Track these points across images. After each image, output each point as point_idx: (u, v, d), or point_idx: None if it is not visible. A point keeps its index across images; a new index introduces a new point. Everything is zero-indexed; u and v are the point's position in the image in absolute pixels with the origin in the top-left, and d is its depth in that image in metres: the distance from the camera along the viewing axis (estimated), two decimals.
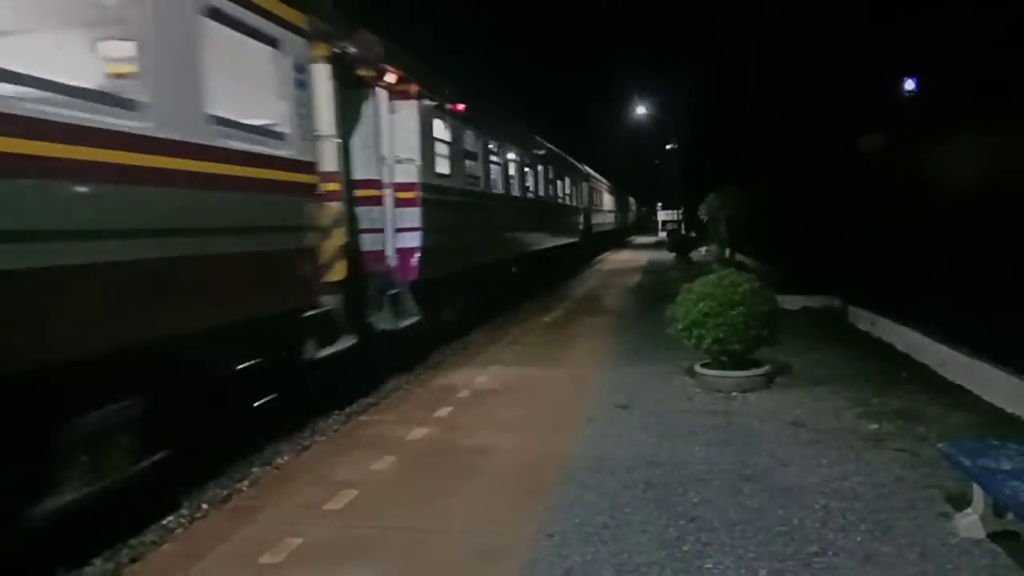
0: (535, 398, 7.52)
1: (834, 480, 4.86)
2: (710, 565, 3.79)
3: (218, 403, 5.67)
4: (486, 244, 13.57)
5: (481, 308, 13.52)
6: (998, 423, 5.93)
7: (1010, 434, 5.20)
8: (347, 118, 8.36)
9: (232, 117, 5.66)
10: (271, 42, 6.26)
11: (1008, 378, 6.24)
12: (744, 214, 21.73)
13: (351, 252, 7.91)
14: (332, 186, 7.29)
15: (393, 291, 9.22)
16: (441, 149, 11.04)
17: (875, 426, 6.00)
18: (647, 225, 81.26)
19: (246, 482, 5.72)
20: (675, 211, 50.13)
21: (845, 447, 5.51)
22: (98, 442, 4.40)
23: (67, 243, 4.06)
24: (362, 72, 8.47)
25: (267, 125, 6.35)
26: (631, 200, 69.77)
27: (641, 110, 47.12)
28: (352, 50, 7.93)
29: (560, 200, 23.71)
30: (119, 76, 4.83)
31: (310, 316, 6.78)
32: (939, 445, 4.39)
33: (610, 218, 43.14)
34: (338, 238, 7.35)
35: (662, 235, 57.14)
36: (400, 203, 9.38)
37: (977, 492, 3.95)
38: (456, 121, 11.80)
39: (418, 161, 9.67)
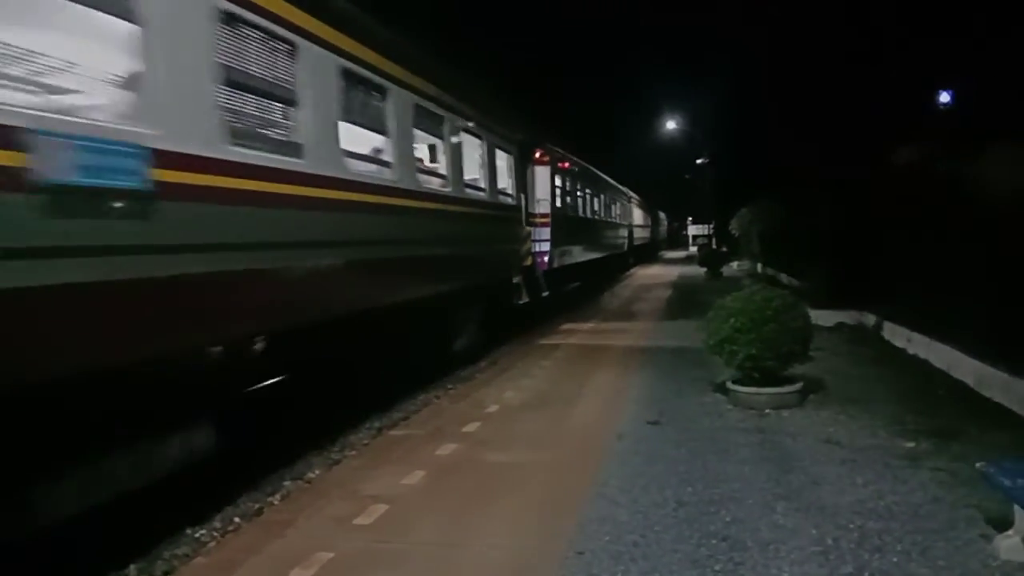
0: (565, 412, 7.49)
1: (869, 499, 4.78)
2: None
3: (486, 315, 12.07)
4: (580, 250, 20.46)
5: (577, 290, 20.77)
6: None
7: None
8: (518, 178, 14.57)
9: (500, 187, 12.77)
10: (508, 152, 13.52)
11: None
12: (776, 228, 21.53)
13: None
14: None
15: (536, 275, 15.46)
16: (557, 192, 17.23)
17: (911, 444, 5.89)
18: (677, 240, 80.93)
19: (277, 496, 5.75)
20: (706, 225, 49.83)
21: (881, 466, 5.41)
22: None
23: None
24: (541, 160, 16.13)
25: (504, 189, 13.26)
26: (661, 215, 69.59)
27: (671, 124, 46.99)
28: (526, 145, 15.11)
29: (615, 219, 30.89)
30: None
31: (515, 283, 14.01)
32: (978, 465, 4.29)
33: (645, 232, 48.70)
34: (527, 244, 14.84)
35: (692, 250, 56.83)
36: (539, 225, 15.93)
37: (1018, 513, 3.86)
38: (563, 173, 18.35)
39: (548, 200, 16.27)
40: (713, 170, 45.95)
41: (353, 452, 6.78)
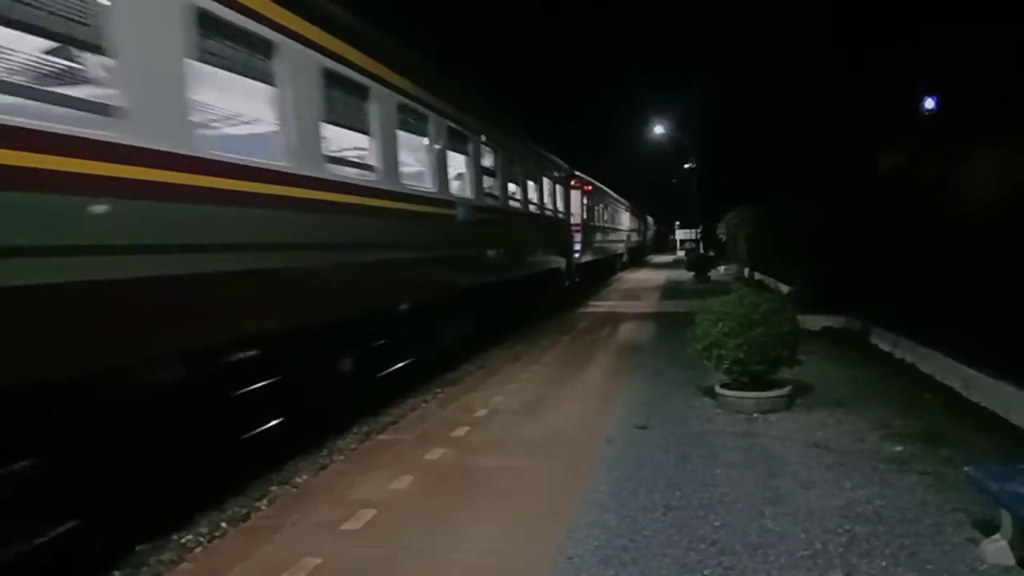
0: (554, 415, 7.48)
1: (857, 503, 4.79)
2: None
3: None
4: (598, 250, 29.50)
5: (597, 280, 28.58)
6: None
7: None
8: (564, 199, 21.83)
9: (551, 207, 19.50)
10: (561, 183, 20.98)
11: None
12: (763, 233, 21.63)
13: None
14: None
15: (573, 267, 22.38)
16: (583, 207, 25.67)
17: (899, 448, 5.92)
18: (665, 244, 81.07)
19: (264, 500, 5.72)
20: (693, 230, 49.97)
21: (868, 470, 5.43)
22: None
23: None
24: (578, 185, 24.43)
25: (560, 208, 20.69)
26: (649, 219, 69.78)
27: (659, 129, 47.08)
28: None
29: (620, 226, 39.89)
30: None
31: (564, 270, 20.83)
32: (966, 469, 4.31)
33: (638, 236, 54.54)
34: (572, 245, 22.98)
35: (680, 254, 56.94)
36: (574, 231, 23.26)
37: (1005, 517, 3.88)
38: (586, 194, 26.55)
39: (578, 213, 24.18)
40: (700, 175, 46.13)
41: (341, 457, 6.75)
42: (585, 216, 25.59)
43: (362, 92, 7.92)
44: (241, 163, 5.68)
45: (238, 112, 6.43)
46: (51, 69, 4.39)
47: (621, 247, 38.86)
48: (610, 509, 4.86)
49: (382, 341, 8.76)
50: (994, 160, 7.46)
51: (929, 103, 31.53)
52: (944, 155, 8.85)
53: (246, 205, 5.70)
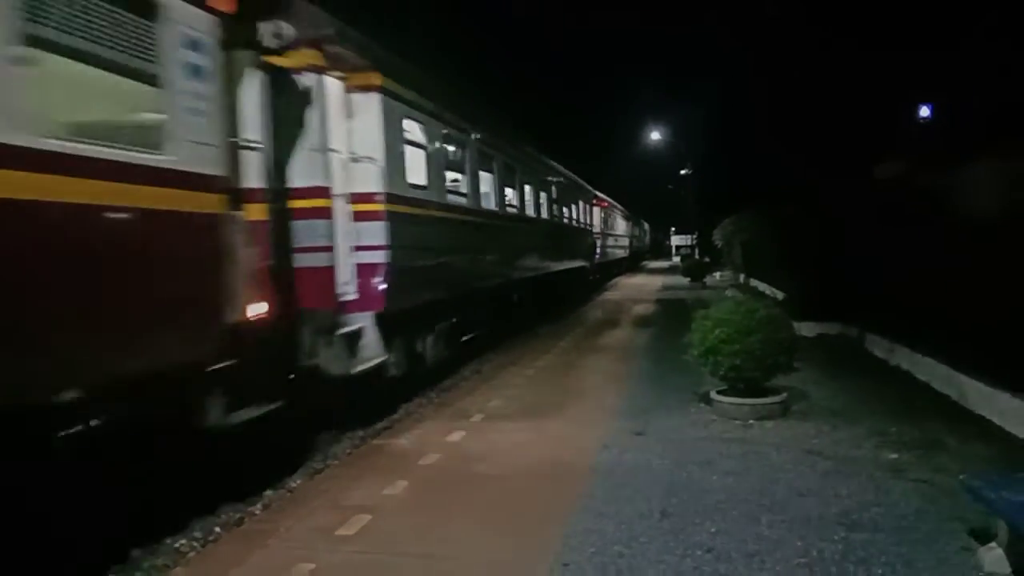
0: (550, 421, 7.46)
1: (853, 511, 4.78)
2: None
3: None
4: (609, 254, 35.52)
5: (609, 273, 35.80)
6: (1021, 453, 5.84)
7: None
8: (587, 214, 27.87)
9: (583, 221, 26.17)
10: (587, 201, 27.88)
11: None
12: (759, 240, 21.66)
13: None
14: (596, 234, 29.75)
15: (595, 266, 29.01)
16: (600, 219, 31.83)
17: (895, 456, 5.92)
18: (661, 249, 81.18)
19: (259, 505, 5.69)
20: (689, 236, 50.09)
21: (864, 477, 5.42)
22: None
23: None
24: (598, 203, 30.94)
25: (584, 220, 26.50)
26: (645, 224, 69.92)
27: (655, 135, 47.23)
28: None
29: (623, 233, 44.93)
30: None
31: (588, 266, 26.72)
32: (961, 477, 4.32)
33: (636, 242, 56.74)
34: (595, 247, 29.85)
35: (675, 260, 57.09)
36: (596, 238, 29.60)
37: (1001, 526, 3.87)
38: (603, 208, 32.66)
39: (598, 224, 30.79)
40: (697, 181, 46.22)
41: (335, 461, 6.72)
42: (602, 227, 32.55)
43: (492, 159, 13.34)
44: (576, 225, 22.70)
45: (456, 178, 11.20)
46: None
47: (622, 252, 43.21)
48: (606, 515, 4.84)
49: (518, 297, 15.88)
50: (990, 170, 7.48)
51: (924, 111, 31.63)
52: (939, 165, 8.87)
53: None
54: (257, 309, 5.89)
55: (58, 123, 4.07)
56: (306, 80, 7.02)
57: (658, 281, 34.30)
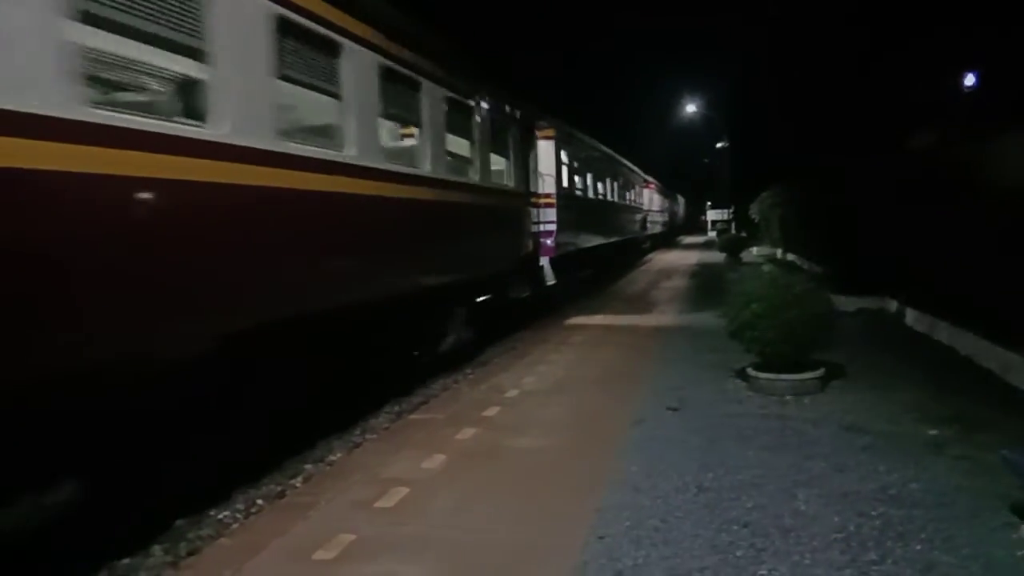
0: (584, 390, 7.49)
1: (892, 487, 4.75)
2: (764, 572, 3.73)
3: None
4: (652, 228, 40.67)
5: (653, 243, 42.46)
6: None
7: None
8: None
9: (639, 202, 34.43)
10: (643, 185, 36.79)
11: None
12: (798, 214, 21.34)
13: None
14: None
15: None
16: (650, 199, 40.81)
17: (934, 432, 5.84)
18: (696, 224, 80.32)
19: (299, 479, 5.81)
20: (725, 210, 49.47)
21: (903, 453, 5.37)
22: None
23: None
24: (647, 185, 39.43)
25: (639, 201, 34.51)
26: (680, 199, 69.28)
27: (691, 107, 46.53)
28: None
29: (667, 210, 53.25)
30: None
31: (641, 237, 35.35)
32: (1001, 451, 4.25)
33: (674, 217, 63.36)
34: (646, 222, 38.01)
35: (711, 235, 56.48)
36: (646, 214, 37.23)
37: None
38: (651, 190, 41.68)
39: (647, 204, 38.17)
40: (733, 154, 45.54)
41: (374, 435, 6.83)
42: (649, 205, 39.56)
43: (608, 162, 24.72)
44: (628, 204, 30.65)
45: (583, 180, 19.83)
46: None
47: (660, 227, 47.85)
48: (641, 490, 4.87)
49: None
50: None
51: (970, 79, 30.79)
52: (976, 136, 8.66)
53: None
54: (527, 249, 13.40)
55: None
56: (542, 140, 15.06)
57: (693, 257, 34.00)
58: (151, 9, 4.52)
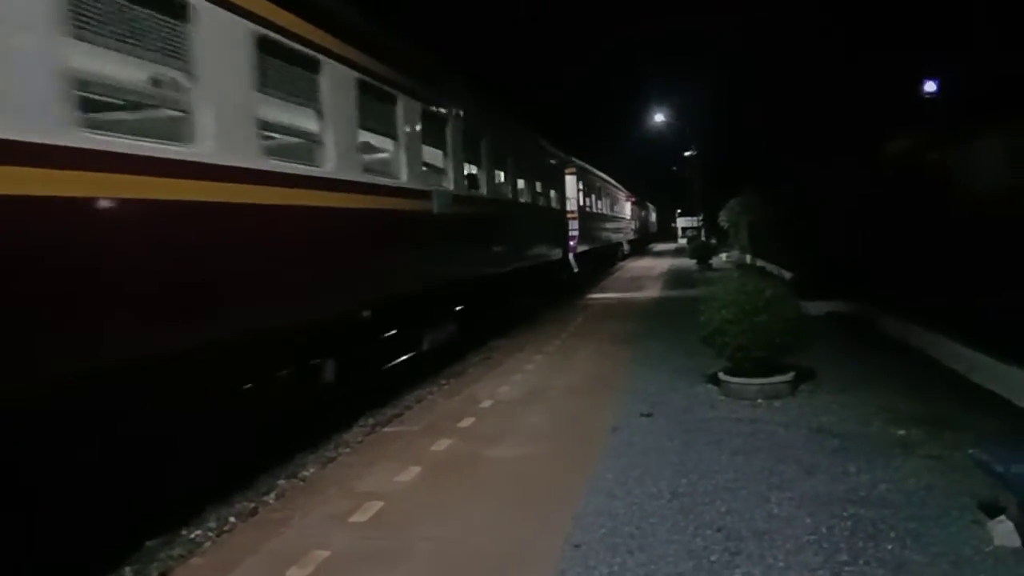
0: (558, 399, 7.50)
1: (863, 488, 4.81)
2: (738, 575, 3.76)
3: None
4: (637, 234, 52.41)
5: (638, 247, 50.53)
6: None
7: None
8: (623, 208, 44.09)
9: (622, 214, 41.49)
10: (625, 199, 44.48)
11: None
12: (766, 220, 21.60)
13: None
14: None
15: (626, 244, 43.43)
16: (633, 213, 49.74)
17: (903, 432, 5.93)
18: (666, 232, 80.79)
19: (272, 494, 5.75)
20: (694, 218, 49.97)
21: (873, 454, 5.44)
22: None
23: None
24: (628, 199, 46.14)
25: (622, 213, 41.40)
26: (650, 206, 69.80)
27: (659, 117, 46.96)
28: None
29: (640, 218, 56.82)
30: None
31: (623, 243, 40.30)
32: (970, 451, 4.32)
33: (646, 225, 67.34)
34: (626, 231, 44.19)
35: (682, 242, 57.00)
36: (628, 223, 44.86)
37: (1010, 499, 3.89)
38: (634, 204, 49.43)
39: (628, 215, 45.20)
40: (702, 162, 45.98)
41: (347, 449, 6.77)
42: (630, 216, 45.58)
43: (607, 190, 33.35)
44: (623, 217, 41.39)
45: (590, 200, 27.10)
46: None
47: (635, 234, 51.76)
48: (617, 496, 4.88)
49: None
50: (996, 143, 7.45)
51: (930, 86, 31.35)
52: (947, 140, 8.83)
53: None
54: (563, 248, 20.51)
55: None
56: (568, 176, 22.12)
57: (664, 264, 34.31)
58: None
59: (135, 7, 4.51)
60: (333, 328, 6.84)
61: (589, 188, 25.99)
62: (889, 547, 3.96)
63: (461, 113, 10.58)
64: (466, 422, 7.05)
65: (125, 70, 4.56)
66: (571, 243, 21.28)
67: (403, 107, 8.36)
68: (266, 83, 5.77)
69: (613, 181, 35.85)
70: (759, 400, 7.12)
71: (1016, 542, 3.83)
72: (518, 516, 4.73)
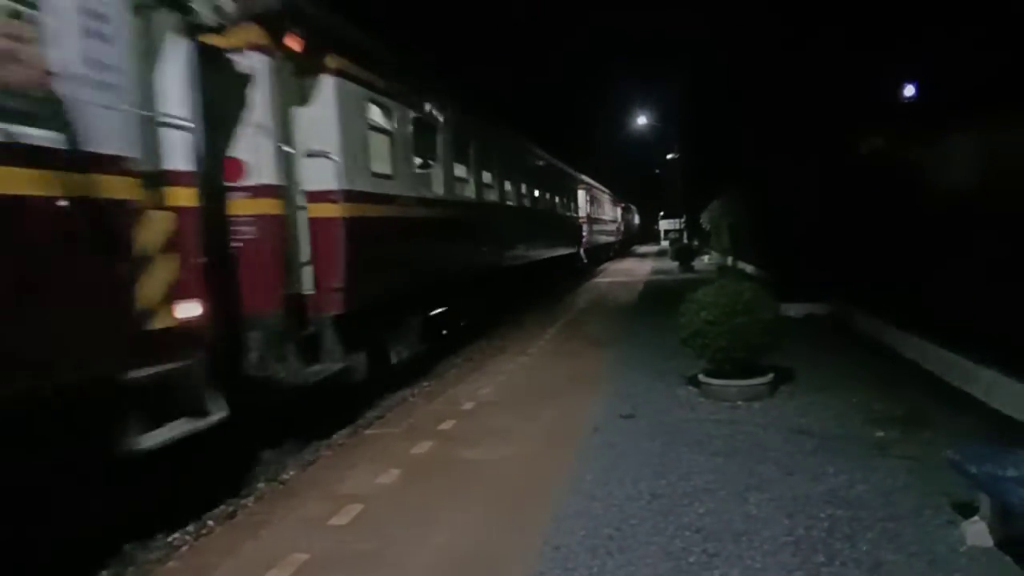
0: (540, 400, 7.50)
1: (840, 488, 4.85)
2: None
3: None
4: (623, 235, 53.85)
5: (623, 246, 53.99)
6: (1004, 429, 5.91)
7: (1017, 440, 5.16)
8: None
9: (612, 217, 46.38)
10: (617, 205, 51.38)
11: (1013, 384, 6.22)
12: (746, 222, 21.71)
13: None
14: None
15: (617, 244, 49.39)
16: (622, 215, 53.61)
17: (880, 433, 5.98)
18: (649, 234, 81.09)
19: (251, 497, 5.71)
20: (677, 220, 50.27)
21: (850, 454, 5.49)
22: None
23: None
24: (617, 204, 50.85)
25: (611, 216, 45.59)
26: (634, 209, 70.06)
27: (641, 120, 47.19)
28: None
29: (625, 221, 57.42)
30: None
31: (614, 243, 45.80)
32: (946, 452, 4.37)
33: (630, 227, 67.84)
34: (620, 233, 51.20)
35: (664, 244, 57.44)
36: (618, 226, 50.24)
37: (984, 499, 3.94)
38: (623, 208, 54.78)
39: (618, 219, 49.39)
40: (684, 164, 46.24)
41: (328, 452, 6.75)
42: (620, 220, 49.16)
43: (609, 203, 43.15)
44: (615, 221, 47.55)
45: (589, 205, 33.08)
46: None
47: (621, 236, 54.16)
48: (597, 498, 4.89)
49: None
50: (968, 142, 7.55)
51: (909, 89, 31.70)
52: (920, 139, 8.93)
53: None
54: (577, 245, 29.27)
55: None
56: (580, 189, 30.49)
57: (647, 266, 34.45)
58: None
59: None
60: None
61: (592, 200, 32.74)
62: (865, 547, 3.99)
63: (523, 153, 18.07)
64: (447, 424, 7.04)
65: None
66: (582, 241, 28.96)
67: (500, 157, 15.06)
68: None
69: (606, 190, 41.22)
70: (739, 401, 7.16)
71: (988, 542, 3.88)
72: (498, 518, 4.74)
